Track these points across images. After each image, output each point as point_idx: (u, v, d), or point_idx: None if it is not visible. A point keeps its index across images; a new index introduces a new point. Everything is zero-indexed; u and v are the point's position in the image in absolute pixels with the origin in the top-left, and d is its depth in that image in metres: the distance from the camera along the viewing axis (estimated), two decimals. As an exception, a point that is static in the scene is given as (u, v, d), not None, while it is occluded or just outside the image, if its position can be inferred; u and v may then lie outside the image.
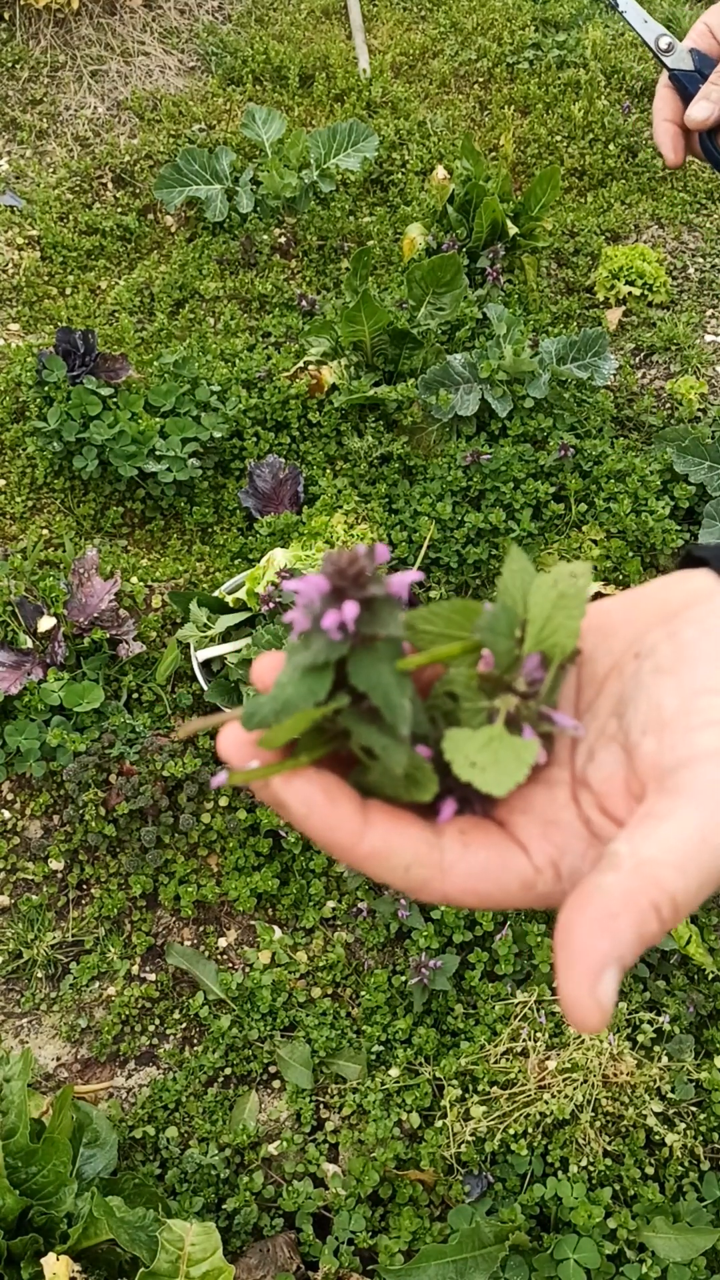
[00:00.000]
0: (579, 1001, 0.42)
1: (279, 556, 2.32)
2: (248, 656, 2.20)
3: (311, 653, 0.45)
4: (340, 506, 2.53)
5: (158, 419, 2.62)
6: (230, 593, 2.36)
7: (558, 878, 0.48)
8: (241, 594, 2.32)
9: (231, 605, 2.33)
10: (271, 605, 2.22)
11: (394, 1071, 1.82)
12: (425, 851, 0.47)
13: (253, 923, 2.05)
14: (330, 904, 2.05)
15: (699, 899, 0.45)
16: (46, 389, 2.63)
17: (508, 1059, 1.78)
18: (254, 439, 2.72)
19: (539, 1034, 1.78)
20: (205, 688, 2.22)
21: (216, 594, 2.37)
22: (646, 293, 3.33)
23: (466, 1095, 1.77)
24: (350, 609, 0.44)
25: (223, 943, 2.03)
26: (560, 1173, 1.69)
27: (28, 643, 2.22)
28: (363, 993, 1.92)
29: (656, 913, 0.43)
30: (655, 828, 0.44)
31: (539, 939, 1.88)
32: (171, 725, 2.21)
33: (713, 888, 0.45)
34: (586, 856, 0.48)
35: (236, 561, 2.57)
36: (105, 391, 2.62)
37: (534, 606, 0.49)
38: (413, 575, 0.46)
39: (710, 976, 1.92)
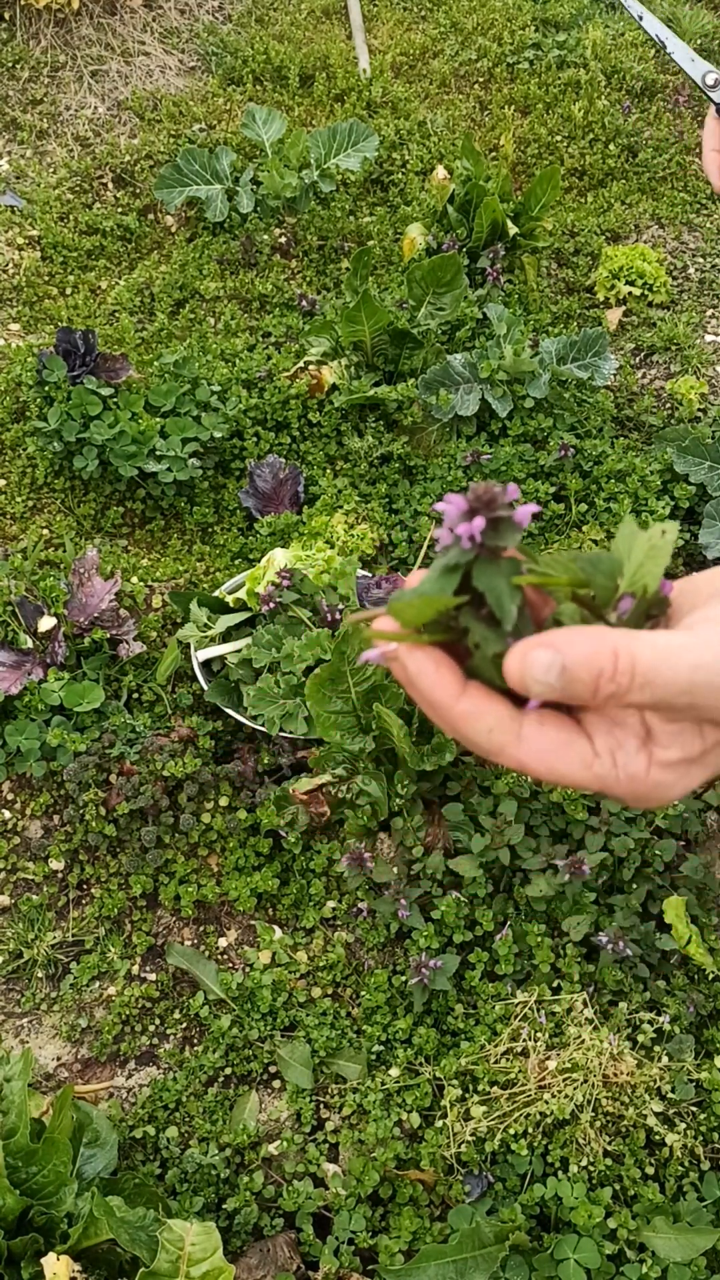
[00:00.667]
0: (510, 662, 0.55)
1: (279, 557, 2.32)
2: (248, 656, 2.19)
3: (447, 558, 0.56)
4: (340, 506, 2.53)
5: (158, 419, 2.62)
6: (230, 593, 2.36)
7: (614, 766, 0.57)
8: (242, 594, 2.32)
9: (232, 605, 2.33)
10: (272, 605, 2.22)
11: (394, 1071, 1.83)
12: (508, 721, 0.57)
13: (253, 923, 2.05)
14: (330, 904, 2.05)
15: (663, 690, 0.55)
16: (47, 389, 2.63)
17: (508, 1059, 1.78)
18: (254, 439, 2.72)
19: (539, 1034, 1.78)
20: (205, 688, 2.22)
21: (217, 594, 2.37)
22: (647, 293, 3.33)
23: (466, 1095, 1.77)
24: (478, 523, 0.55)
25: (223, 943, 2.03)
26: (560, 1173, 1.69)
27: (28, 643, 2.22)
28: (363, 993, 1.92)
29: (614, 657, 0.54)
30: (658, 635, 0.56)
31: (539, 939, 1.88)
32: (171, 725, 2.21)
33: (683, 698, 0.55)
34: (640, 754, 0.57)
35: (237, 561, 2.57)
36: (105, 391, 2.62)
37: (631, 555, 0.59)
38: (532, 508, 0.57)
39: (710, 976, 1.92)
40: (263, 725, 2.13)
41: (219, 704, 2.21)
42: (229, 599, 2.34)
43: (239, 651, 2.24)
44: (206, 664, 2.29)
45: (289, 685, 2.12)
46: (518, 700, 0.58)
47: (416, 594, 0.57)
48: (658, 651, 0.55)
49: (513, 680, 0.56)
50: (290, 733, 2.12)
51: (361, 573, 2.32)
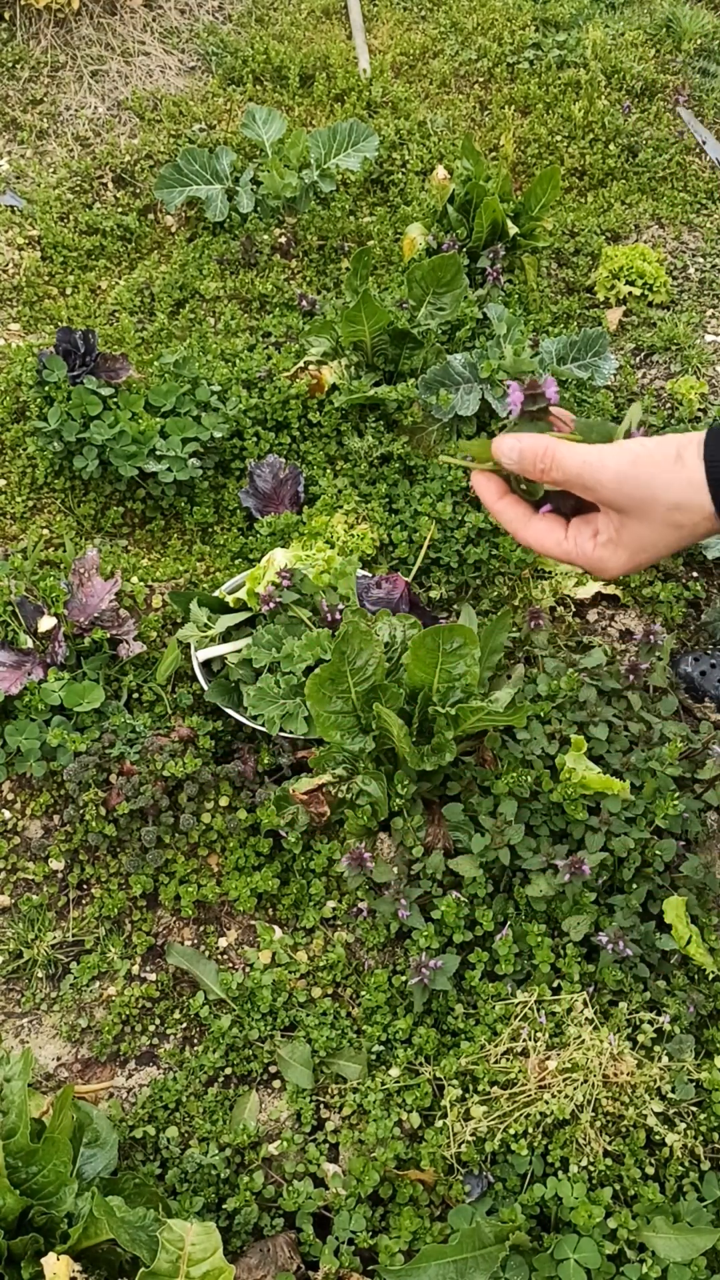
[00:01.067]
0: (497, 445, 1.04)
1: (279, 557, 2.32)
2: (248, 656, 2.19)
3: (510, 421, 1.05)
4: (340, 506, 2.53)
5: (158, 419, 2.62)
6: (231, 593, 2.36)
7: (575, 545, 1.04)
8: (242, 594, 2.32)
9: (232, 605, 2.33)
10: (271, 605, 2.22)
11: (394, 1071, 1.83)
12: (523, 517, 1.07)
13: (253, 923, 2.05)
14: (330, 904, 2.05)
15: (563, 474, 1.00)
16: (47, 389, 2.63)
17: (508, 1059, 1.78)
18: (254, 439, 2.72)
19: (539, 1034, 1.78)
20: (205, 687, 2.22)
21: (217, 594, 2.37)
22: (647, 293, 3.33)
23: (467, 1095, 1.77)
24: (519, 395, 1.05)
25: (223, 943, 2.03)
26: (560, 1173, 1.69)
27: (28, 643, 2.22)
28: (363, 993, 1.92)
29: (545, 449, 1.00)
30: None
31: (539, 939, 1.88)
32: (171, 725, 2.21)
33: (577, 481, 1.00)
34: (589, 540, 1.04)
35: (237, 561, 2.57)
36: (105, 391, 2.62)
37: (619, 430, 1.08)
38: (554, 384, 1.06)
39: (710, 976, 1.92)
40: (263, 725, 2.13)
41: (219, 704, 2.21)
42: (229, 599, 2.34)
43: (239, 652, 2.24)
44: (207, 664, 2.28)
45: (289, 685, 2.12)
46: (538, 508, 1.07)
47: (480, 440, 1.06)
48: (568, 449, 1.00)
49: (498, 456, 1.04)
50: (290, 733, 2.12)
51: (361, 573, 2.33)
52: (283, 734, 2.13)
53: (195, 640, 2.29)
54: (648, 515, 1.01)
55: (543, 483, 1.03)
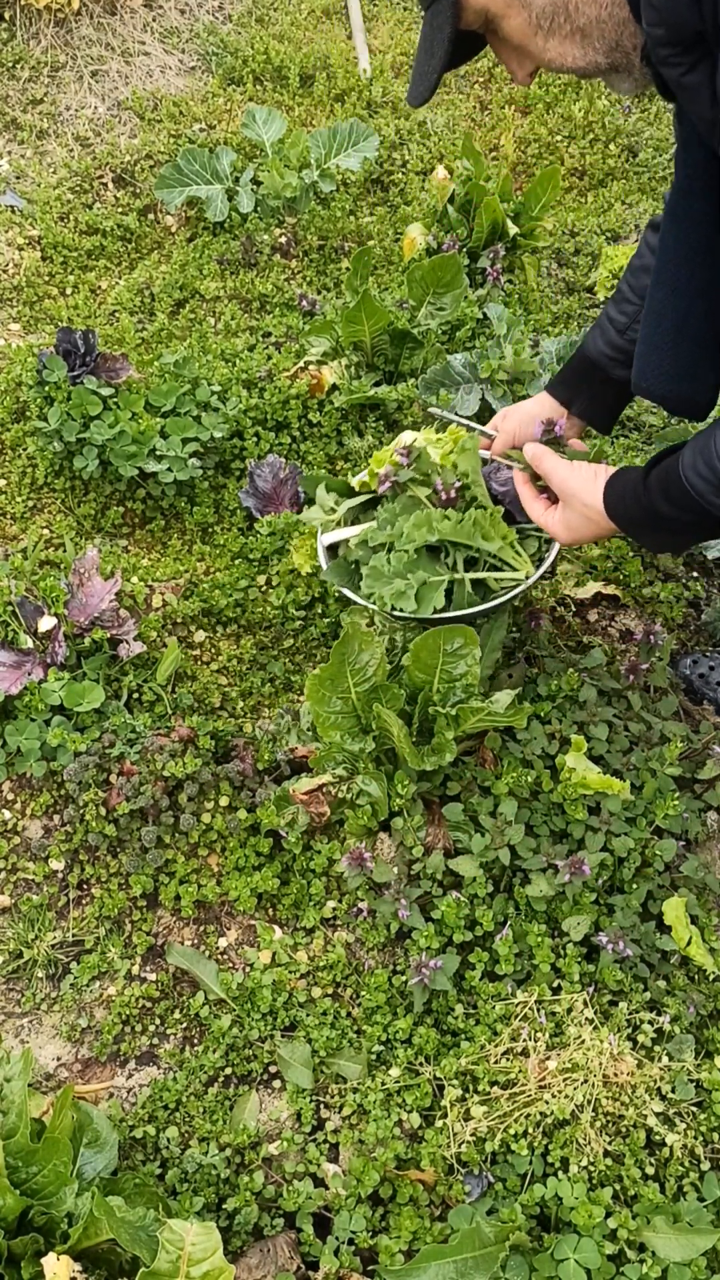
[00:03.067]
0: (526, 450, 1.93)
1: (406, 436, 2.24)
2: (364, 539, 2.14)
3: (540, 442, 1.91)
4: (341, 506, 2.53)
5: (158, 419, 2.62)
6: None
7: (545, 517, 1.88)
8: (365, 476, 2.28)
9: (357, 489, 2.29)
10: (389, 484, 2.14)
11: (394, 1071, 1.83)
12: (532, 494, 1.92)
13: (253, 923, 2.05)
14: (330, 904, 2.05)
15: (546, 471, 1.84)
16: (47, 389, 2.63)
17: (508, 1059, 1.78)
18: (254, 439, 2.72)
19: (539, 1034, 1.78)
20: (325, 567, 2.21)
21: (347, 480, 2.33)
22: (647, 293, 3.33)
23: (467, 1095, 1.77)
24: (538, 428, 1.98)
25: (223, 943, 2.03)
26: (560, 1173, 1.69)
27: (28, 643, 2.22)
28: (363, 993, 1.92)
29: (538, 458, 1.86)
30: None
31: (539, 939, 1.88)
32: (171, 725, 2.21)
33: (549, 481, 1.85)
34: (549, 512, 1.88)
35: (237, 561, 2.57)
36: (106, 391, 2.62)
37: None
38: (562, 424, 1.99)
39: (710, 976, 1.92)
40: (374, 604, 2.05)
41: (336, 583, 2.16)
42: (354, 483, 2.29)
43: (359, 535, 2.18)
44: (332, 548, 2.24)
45: (399, 564, 2.04)
46: (553, 499, 1.88)
47: (519, 454, 1.92)
48: (550, 458, 1.83)
49: (526, 456, 1.90)
50: (400, 611, 2.03)
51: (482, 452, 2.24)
52: (395, 613, 2.04)
53: (321, 523, 2.25)
54: (571, 506, 1.79)
55: (545, 478, 1.86)
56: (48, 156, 3.78)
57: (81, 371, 2.66)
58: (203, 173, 3.46)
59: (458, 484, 2.10)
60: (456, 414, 2.14)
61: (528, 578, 2.07)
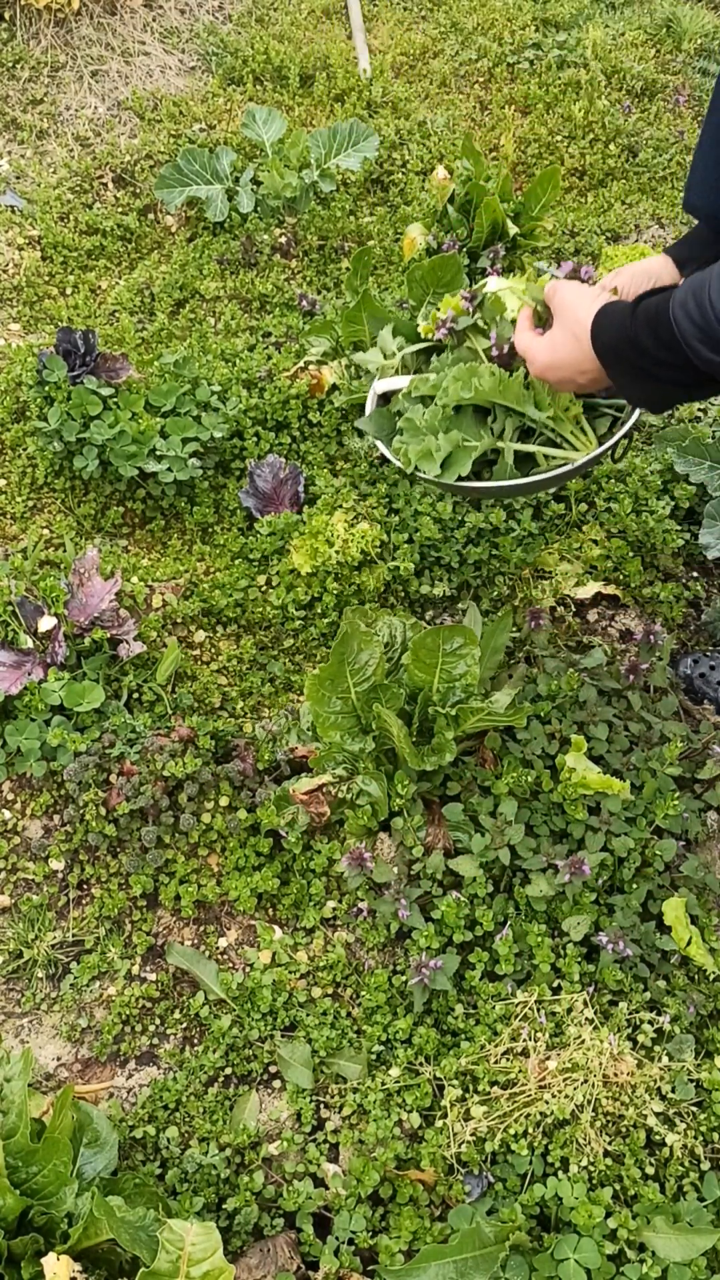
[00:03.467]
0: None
1: (492, 283, 1.93)
2: (416, 388, 1.91)
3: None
4: (340, 506, 2.53)
5: (158, 419, 2.62)
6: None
7: (529, 342, 1.69)
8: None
9: (422, 334, 2.02)
10: (445, 329, 1.89)
11: (394, 1071, 1.83)
12: (529, 328, 1.72)
13: (253, 923, 2.05)
14: (330, 904, 2.05)
15: (552, 292, 1.69)
16: (47, 389, 2.63)
17: (508, 1059, 1.78)
18: (254, 439, 2.71)
19: (539, 1034, 1.78)
20: (368, 413, 1.98)
21: (421, 327, 2.02)
22: (647, 293, 3.33)
23: (467, 1095, 1.77)
24: (567, 267, 1.82)
25: (223, 943, 2.03)
26: (560, 1173, 1.69)
27: (28, 643, 2.22)
28: (363, 993, 1.92)
29: (555, 285, 1.70)
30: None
31: (539, 939, 1.88)
32: (171, 725, 2.21)
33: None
34: (537, 340, 1.68)
35: (236, 561, 2.57)
36: (106, 391, 2.62)
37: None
38: (589, 272, 1.82)
39: (710, 976, 1.92)
40: (399, 461, 1.85)
41: (370, 432, 1.95)
42: (422, 328, 2.00)
43: (409, 384, 1.95)
44: (385, 399, 2.00)
45: (435, 420, 1.81)
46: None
47: (539, 284, 1.74)
48: (564, 284, 1.67)
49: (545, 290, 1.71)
50: (424, 473, 1.81)
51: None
52: (419, 474, 1.83)
53: (379, 367, 2.01)
54: (563, 321, 1.64)
55: (549, 304, 1.68)
56: (48, 156, 3.78)
57: (81, 371, 2.66)
58: (203, 173, 3.46)
59: (512, 339, 1.79)
60: (554, 275, 1.88)
61: (583, 457, 1.77)
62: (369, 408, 1.99)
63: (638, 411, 1.79)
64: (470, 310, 1.87)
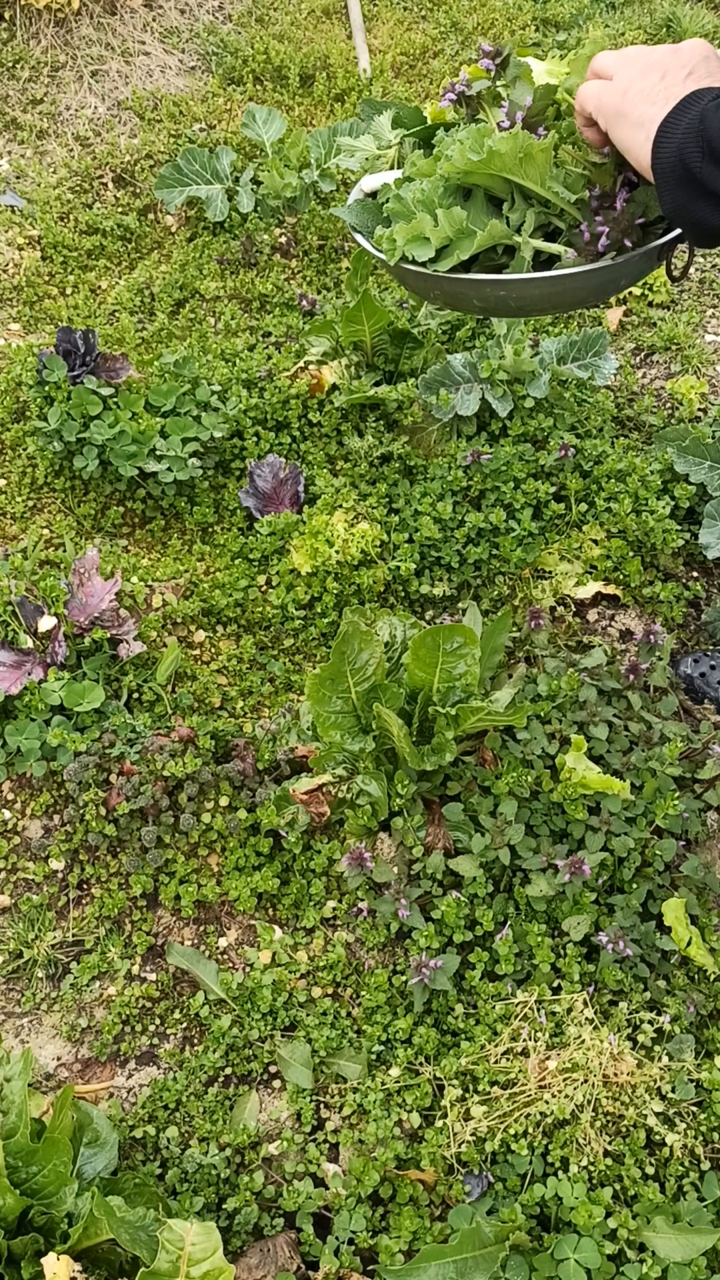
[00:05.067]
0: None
1: (537, 67, 1.55)
2: (410, 170, 1.57)
3: None
4: (340, 506, 2.53)
5: (158, 419, 2.62)
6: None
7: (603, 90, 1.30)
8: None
9: (430, 119, 1.69)
10: (454, 94, 1.52)
11: (394, 1071, 1.83)
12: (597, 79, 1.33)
13: (253, 922, 2.05)
14: (330, 904, 2.05)
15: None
16: (47, 389, 2.63)
17: (508, 1059, 1.78)
18: (254, 439, 2.71)
19: (539, 1034, 1.78)
20: (350, 203, 1.64)
21: (427, 111, 1.72)
22: (647, 292, 3.33)
23: (467, 1095, 1.77)
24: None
25: (223, 942, 2.03)
26: (560, 1173, 1.69)
27: (28, 642, 2.22)
28: (363, 993, 1.92)
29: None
30: None
31: (539, 939, 1.88)
32: (171, 725, 2.21)
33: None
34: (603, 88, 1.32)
35: (236, 561, 2.57)
36: (106, 391, 2.62)
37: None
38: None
39: (711, 976, 1.92)
40: (382, 252, 1.53)
41: (352, 222, 1.62)
42: (429, 113, 1.69)
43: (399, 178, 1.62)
44: (374, 196, 1.67)
45: (432, 194, 1.46)
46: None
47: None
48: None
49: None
50: (412, 261, 1.48)
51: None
52: (405, 265, 1.50)
53: (367, 158, 1.69)
54: (642, 58, 1.23)
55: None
56: (48, 156, 3.78)
57: (81, 371, 2.66)
58: (203, 173, 3.46)
59: (528, 105, 1.40)
60: None
61: (618, 255, 1.37)
62: (352, 197, 1.65)
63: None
64: (492, 73, 1.48)
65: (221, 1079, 1.87)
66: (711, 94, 1.15)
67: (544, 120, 1.44)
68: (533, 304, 1.46)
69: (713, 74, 1.20)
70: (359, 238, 1.60)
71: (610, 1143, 1.72)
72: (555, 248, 1.41)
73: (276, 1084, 1.87)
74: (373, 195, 1.65)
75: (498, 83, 1.45)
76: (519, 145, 1.34)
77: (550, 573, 2.55)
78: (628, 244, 1.36)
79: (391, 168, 1.66)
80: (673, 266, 1.42)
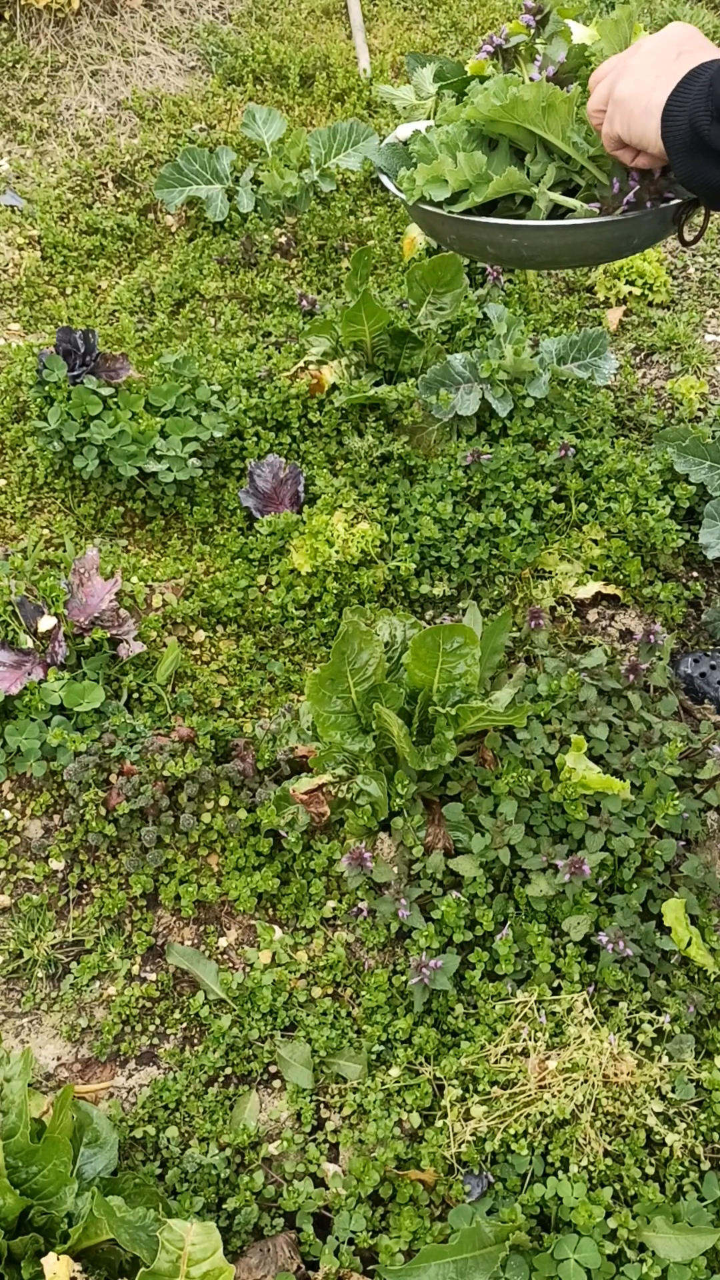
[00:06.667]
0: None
1: (576, 29, 1.63)
2: (440, 119, 1.62)
3: None
4: (340, 506, 2.53)
5: (158, 419, 2.62)
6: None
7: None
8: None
9: (470, 71, 1.73)
10: (490, 47, 1.58)
11: (394, 1071, 1.83)
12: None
13: (253, 922, 2.05)
14: (330, 904, 2.05)
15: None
16: (47, 389, 2.63)
17: (508, 1059, 1.78)
18: (254, 439, 2.71)
19: (539, 1034, 1.78)
20: (380, 146, 1.73)
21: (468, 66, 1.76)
22: (647, 292, 3.33)
23: (467, 1095, 1.77)
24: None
25: (223, 942, 2.03)
26: (560, 1173, 1.69)
27: (28, 642, 2.22)
28: (363, 992, 1.92)
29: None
30: None
31: (539, 939, 1.88)
32: (171, 725, 2.21)
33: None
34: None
35: (236, 561, 2.57)
36: (106, 391, 2.62)
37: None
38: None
39: (711, 976, 1.92)
40: (403, 193, 1.59)
41: (379, 165, 1.70)
42: (470, 67, 1.71)
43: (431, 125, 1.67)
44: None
45: (455, 138, 1.48)
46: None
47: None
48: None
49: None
50: (427, 201, 1.53)
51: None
52: (422, 205, 1.54)
53: (407, 107, 1.79)
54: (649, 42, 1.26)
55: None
56: (48, 156, 3.78)
57: (81, 371, 2.66)
58: (203, 172, 3.46)
59: (562, 59, 1.43)
60: None
61: (638, 206, 1.40)
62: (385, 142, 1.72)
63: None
64: (532, 29, 1.50)
65: (221, 1079, 1.87)
66: (717, 63, 1.20)
67: (575, 78, 1.44)
68: (544, 254, 1.47)
69: (704, 48, 1.26)
70: (384, 179, 1.62)
71: (610, 1143, 1.72)
72: (571, 201, 1.42)
73: (276, 1084, 1.87)
74: (405, 144, 1.67)
75: (536, 39, 1.46)
76: (543, 95, 1.36)
77: (550, 573, 2.55)
78: (648, 204, 1.38)
79: (429, 119, 1.64)
80: (688, 229, 1.44)
